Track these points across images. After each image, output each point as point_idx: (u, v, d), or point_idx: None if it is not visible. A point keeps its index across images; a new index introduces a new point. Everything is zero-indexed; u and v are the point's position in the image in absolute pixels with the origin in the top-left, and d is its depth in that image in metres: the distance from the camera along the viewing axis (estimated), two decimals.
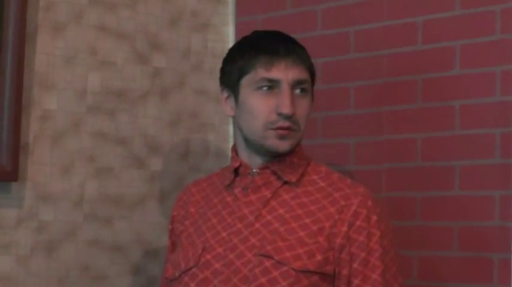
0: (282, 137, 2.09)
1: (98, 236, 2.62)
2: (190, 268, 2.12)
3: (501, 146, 2.36)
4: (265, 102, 2.09)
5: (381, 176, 2.58)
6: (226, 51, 2.83)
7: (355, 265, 2.04)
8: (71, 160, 2.56)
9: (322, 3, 2.77)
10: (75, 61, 2.57)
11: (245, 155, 2.18)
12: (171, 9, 2.83)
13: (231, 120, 2.79)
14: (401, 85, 2.59)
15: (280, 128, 2.08)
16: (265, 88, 2.09)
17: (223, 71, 2.21)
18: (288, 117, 2.07)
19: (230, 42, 2.97)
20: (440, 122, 2.51)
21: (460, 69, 2.47)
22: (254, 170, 2.17)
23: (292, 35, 2.55)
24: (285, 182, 2.15)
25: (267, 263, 2.04)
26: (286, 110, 2.05)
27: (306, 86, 2.12)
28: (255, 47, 2.14)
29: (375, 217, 2.08)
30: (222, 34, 2.99)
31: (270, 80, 2.09)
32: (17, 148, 2.40)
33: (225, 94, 2.19)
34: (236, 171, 2.19)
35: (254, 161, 2.16)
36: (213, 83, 2.91)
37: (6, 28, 2.37)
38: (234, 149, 2.23)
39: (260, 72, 2.09)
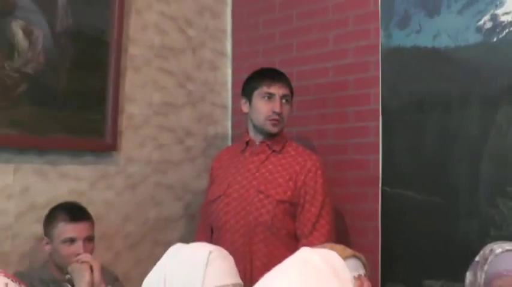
0: (273, 125, 2.11)
1: (160, 181, 2.60)
2: (220, 196, 2.14)
3: (373, 131, 2.38)
4: (266, 106, 2.11)
5: (319, 148, 2.53)
6: (227, 82, 2.92)
7: (307, 197, 2.05)
8: (144, 140, 2.54)
9: (277, 57, 2.74)
10: (146, 86, 2.56)
11: (252, 135, 2.18)
12: (196, 59, 2.80)
13: (229, 119, 2.91)
14: (323, 100, 2.57)
15: (273, 119, 2.10)
16: (266, 97, 2.10)
17: (243, 88, 2.19)
18: (278, 114, 2.09)
19: (229, 77, 2.93)
20: (342, 119, 2.50)
21: (353, 90, 2.46)
22: (257, 143, 2.16)
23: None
24: (273, 151, 2.14)
25: (261, 195, 2.06)
26: (277, 109, 2.09)
27: (288, 98, 2.13)
28: (262, 75, 2.14)
29: (319, 172, 2.08)
30: (224, 73, 2.96)
31: (269, 93, 2.11)
32: (115, 133, 2.37)
33: (243, 100, 2.17)
34: (247, 143, 2.18)
35: (257, 138, 2.16)
36: (220, 99, 2.88)
37: (109, 67, 2.32)
38: (247, 131, 2.20)
39: (264, 89, 2.11)
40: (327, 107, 2.55)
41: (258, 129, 2.13)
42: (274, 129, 2.10)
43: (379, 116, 2.37)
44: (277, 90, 2.09)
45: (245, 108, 2.15)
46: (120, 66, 2.39)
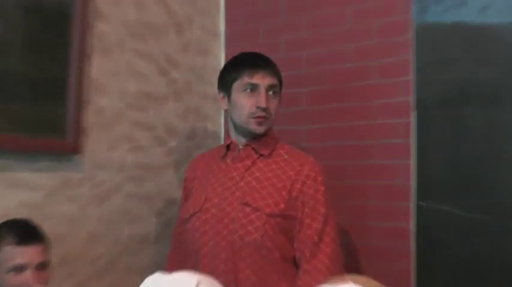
0: (259, 123, 2.09)
1: (134, 191, 2.59)
2: (196, 212, 2.12)
3: (403, 130, 2.38)
4: (248, 100, 2.08)
5: (323, 150, 2.55)
6: (219, 68, 2.56)
7: (306, 210, 2.04)
8: (116, 140, 2.52)
9: (282, 37, 2.75)
10: (118, 73, 2.53)
11: (234, 136, 2.16)
12: (182, 40, 2.81)
13: (222, 113, 2.92)
14: (335, 91, 2.58)
15: (258, 117, 2.08)
16: (248, 90, 2.08)
17: (220, 79, 2.18)
18: (264, 110, 2.07)
19: (222, 62, 2.94)
20: (363, 114, 2.49)
21: (378, 79, 2.46)
22: (240, 147, 2.15)
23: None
24: (261, 155, 2.13)
25: (247, 209, 2.03)
26: (262, 104, 2.06)
27: (276, 90, 2.11)
28: (243, 62, 2.13)
29: (320, 178, 2.07)
30: (216, 57, 2.98)
31: (252, 84, 2.08)
32: (78, 131, 2.34)
33: (221, 95, 2.17)
34: (228, 147, 2.17)
35: (240, 141, 2.14)
36: (211, 89, 2.86)
37: (72, 48, 2.30)
38: (227, 132, 2.20)
39: (246, 79, 2.08)
40: (345, 100, 2.54)
41: (241, 130, 2.12)
42: (260, 129, 2.09)
43: (410, 110, 2.35)
44: (262, 80, 2.08)
45: (224, 104, 2.15)
46: (86, 47, 2.37)
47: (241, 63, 2.13)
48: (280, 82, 2.15)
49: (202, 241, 2.07)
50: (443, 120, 2.28)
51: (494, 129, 2.18)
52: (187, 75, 2.84)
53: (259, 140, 2.13)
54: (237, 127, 2.14)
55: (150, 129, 2.66)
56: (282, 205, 2.03)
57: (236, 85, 2.11)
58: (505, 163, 2.15)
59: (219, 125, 2.98)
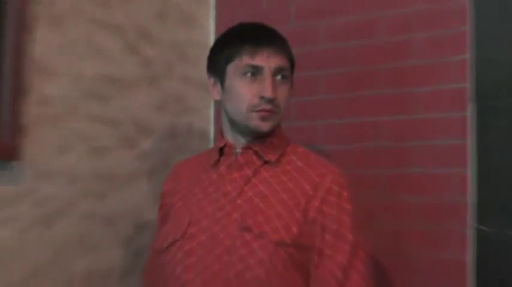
0: (263, 119, 2.04)
1: (92, 211, 2.53)
2: (177, 240, 2.07)
3: (459, 128, 2.35)
4: (249, 87, 2.04)
5: (348, 155, 2.55)
6: (208, 43, 2.93)
7: (327, 237, 1.98)
8: (68, 141, 2.46)
9: (292, 1, 2.77)
10: (72, 51, 2.47)
11: (230, 136, 2.14)
12: (158, 4, 2.78)
13: (212, 105, 2.93)
14: (365, 73, 2.56)
15: (262, 110, 2.03)
16: (249, 74, 2.04)
17: (210, 59, 2.17)
18: (270, 101, 2.02)
19: (212, 35, 2.94)
20: (401, 106, 2.48)
21: (421, 59, 2.44)
22: (237, 150, 2.12)
23: None
24: (266, 162, 2.11)
25: (248, 236, 1.98)
26: (268, 94, 2.00)
27: (286, 73, 2.07)
28: (240, 37, 2.09)
29: (345, 194, 2.02)
30: (204, 28, 2.96)
31: (254, 67, 2.03)
32: (16, 129, 2.27)
33: (212, 80, 2.14)
34: (221, 151, 2.14)
35: (238, 142, 2.12)
36: (196, 71, 2.85)
37: (6, 18, 2.23)
38: (220, 131, 2.19)
39: (245, 60, 2.04)
40: (376, 87, 2.52)
41: (239, 128, 2.11)
42: (265, 126, 2.05)
43: (467, 101, 2.32)
44: (267, 60, 2.05)
45: (215, 93, 2.14)
46: (26, 16, 2.28)
47: (238, 38, 2.09)
48: (292, 63, 2.13)
49: (185, 278, 2.02)
50: None
51: None
52: (165, 54, 2.81)
53: (264, 141, 2.11)
54: (233, 124, 2.12)
55: (114, 126, 2.61)
56: (295, 230, 1.98)
57: (232, 67, 2.07)
58: None
59: (208, 121, 2.97)
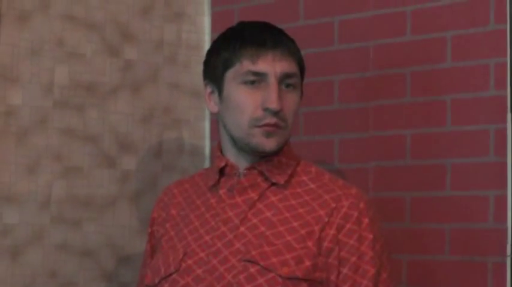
0: (268, 135, 2.05)
1: (66, 240, 2.55)
2: (171, 274, 2.08)
3: (495, 143, 2.34)
4: (251, 97, 2.05)
5: (367, 175, 2.55)
6: (201, 42, 2.95)
7: (344, 270, 2.00)
8: (37, 159, 2.50)
9: None
10: (41, 53, 2.52)
11: (231, 154, 2.14)
12: None
13: (207, 116, 2.93)
14: (388, 78, 2.57)
15: (266, 125, 2.04)
16: (249, 83, 2.06)
17: (206, 64, 2.16)
18: (275, 113, 2.03)
19: (205, 33, 2.95)
20: (430, 117, 2.48)
21: (451, 62, 2.45)
22: (240, 171, 2.12)
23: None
24: (273, 184, 2.11)
25: (252, 269, 1.99)
26: (273, 105, 2.01)
27: (294, 80, 2.08)
28: (241, 38, 2.10)
29: (366, 220, 2.03)
30: (196, 24, 2.95)
31: (256, 73, 2.04)
32: None
33: (209, 89, 2.14)
34: (221, 171, 2.15)
35: (241, 161, 2.12)
36: (188, 76, 2.87)
37: None
38: (219, 148, 2.18)
39: (245, 65, 2.05)
40: (400, 95, 2.54)
41: (240, 145, 2.10)
42: (270, 145, 2.06)
43: (507, 112, 2.31)
44: (271, 65, 2.05)
45: (212, 103, 2.15)
46: None
47: (238, 40, 2.10)
48: (301, 68, 2.13)
49: None
50: None
51: None
52: (149, 56, 2.83)
53: (271, 160, 2.12)
54: (234, 140, 2.11)
55: (91, 141, 2.65)
56: (308, 263, 2.00)
57: (231, 74, 2.07)
58: None
59: (202, 135, 2.96)
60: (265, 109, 2.02)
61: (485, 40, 2.37)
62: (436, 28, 2.48)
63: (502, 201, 2.29)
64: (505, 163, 2.29)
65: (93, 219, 2.62)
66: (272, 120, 2.03)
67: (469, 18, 2.41)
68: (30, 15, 2.48)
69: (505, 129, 2.30)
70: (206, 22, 2.95)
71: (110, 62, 2.67)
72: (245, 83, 2.05)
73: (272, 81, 2.03)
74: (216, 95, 2.12)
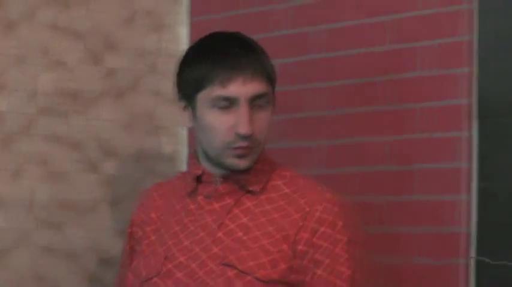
0: (241, 156, 2.05)
1: (50, 244, 2.56)
2: (152, 277, 2.08)
3: (462, 149, 2.35)
4: (222, 121, 2.05)
5: (343, 180, 2.56)
6: (180, 52, 2.83)
7: (319, 272, 2.00)
8: (22, 164, 2.52)
9: (279, 3, 2.75)
10: (26, 61, 2.53)
11: (207, 164, 2.13)
12: (124, 8, 2.79)
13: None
14: (362, 87, 2.57)
15: (239, 148, 2.04)
16: (221, 107, 2.05)
17: (179, 77, 2.15)
18: (247, 138, 2.03)
19: (185, 42, 2.95)
20: (401, 124, 2.49)
21: (421, 71, 2.45)
22: (217, 179, 2.11)
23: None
24: (249, 191, 2.11)
25: (230, 273, 2.00)
26: (244, 130, 2.01)
27: (265, 100, 2.07)
28: (212, 58, 2.08)
29: (340, 223, 2.03)
30: (176, 34, 2.96)
31: (227, 98, 2.03)
32: None
33: (183, 104, 2.14)
34: (198, 178, 2.14)
35: (217, 170, 2.12)
36: (167, 84, 2.83)
37: None
38: (195, 156, 2.17)
39: (216, 89, 2.03)
40: (370, 103, 2.54)
41: (215, 162, 2.11)
42: (242, 164, 2.07)
43: (472, 120, 2.34)
44: (242, 89, 2.03)
45: (186, 119, 2.15)
46: None
47: (209, 60, 2.08)
48: (272, 82, 2.12)
49: None
50: None
51: None
52: (131, 64, 2.82)
53: (247, 169, 2.12)
54: (209, 156, 2.13)
55: (75, 147, 2.65)
56: (283, 266, 2.00)
57: (203, 96, 2.07)
58: None
59: (181, 141, 2.96)
60: (237, 133, 2.02)
61: (454, 51, 2.38)
62: (407, 39, 2.48)
63: (465, 206, 2.31)
64: (471, 169, 2.32)
65: (76, 223, 2.63)
66: (244, 143, 2.03)
67: (438, 29, 2.42)
68: (17, 25, 2.49)
69: (472, 136, 2.32)
70: (185, 32, 2.96)
71: (93, 70, 2.68)
72: (216, 106, 2.04)
73: (243, 105, 2.03)
74: (189, 112, 2.11)
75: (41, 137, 2.54)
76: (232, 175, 2.10)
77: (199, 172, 2.13)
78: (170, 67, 2.80)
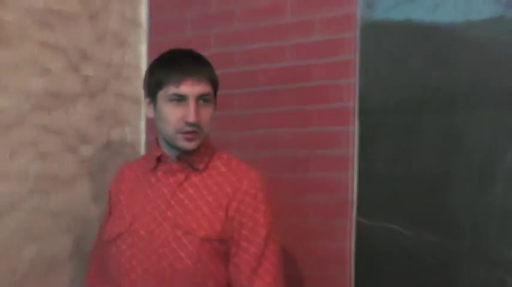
0: (188, 140, 2.12)
1: (39, 206, 2.60)
2: (122, 233, 2.16)
3: (346, 139, 2.45)
4: (175, 112, 2.11)
5: (261, 162, 2.57)
6: (139, 64, 2.99)
7: (244, 232, 2.09)
8: (18, 146, 2.53)
9: (212, 29, 2.81)
10: (21, 68, 2.54)
11: (165, 147, 2.19)
12: (97, 29, 2.84)
13: (143, 117, 3.00)
14: (273, 93, 2.64)
15: (187, 132, 2.11)
16: (175, 101, 2.10)
17: (145, 81, 2.21)
18: (193, 125, 2.10)
19: (144, 56, 3.00)
20: (300, 121, 2.56)
21: (316, 81, 2.53)
22: (172, 159, 2.19)
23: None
24: (195, 169, 2.17)
25: (178, 232, 2.08)
26: (191, 119, 2.08)
27: (208, 98, 2.14)
28: (169, 65, 2.13)
29: (260, 195, 2.12)
30: (137, 50, 3.01)
31: (179, 95, 2.10)
32: None
33: (147, 100, 2.19)
34: (158, 159, 2.20)
35: (172, 152, 2.18)
36: (129, 88, 2.93)
37: None
38: (157, 142, 2.22)
39: (171, 89, 2.10)
40: (281, 104, 2.61)
41: (170, 144, 2.17)
42: (190, 146, 2.14)
43: (354, 117, 2.44)
44: (191, 88, 2.10)
45: (149, 112, 2.19)
46: None
47: (167, 67, 2.15)
48: (215, 86, 2.20)
49: (128, 266, 2.13)
50: (391, 129, 2.35)
51: (447, 140, 2.24)
52: (102, 72, 2.86)
53: (193, 152, 2.19)
54: (166, 140, 2.20)
55: (58, 134, 2.68)
56: (219, 227, 2.10)
57: (161, 93, 2.15)
58: (459, 178, 2.21)
59: (139, 132, 3.03)
60: (186, 122, 2.09)
61: (341, 66, 2.47)
62: (305, 57, 2.56)
63: (348, 181, 2.44)
64: (354, 154, 2.43)
65: (59, 191, 2.67)
66: (191, 129, 2.10)
67: (331, 49, 2.49)
68: (12, 40, 2.50)
69: (353, 129, 2.43)
70: (144, 49, 3.03)
71: (73, 76, 2.73)
72: (171, 101, 2.11)
73: (191, 100, 2.10)
74: (152, 106, 2.18)
75: (33, 126, 2.58)
76: (183, 156, 2.17)
77: (159, 154, 2.20)
78: (131, 75, 2.95)
